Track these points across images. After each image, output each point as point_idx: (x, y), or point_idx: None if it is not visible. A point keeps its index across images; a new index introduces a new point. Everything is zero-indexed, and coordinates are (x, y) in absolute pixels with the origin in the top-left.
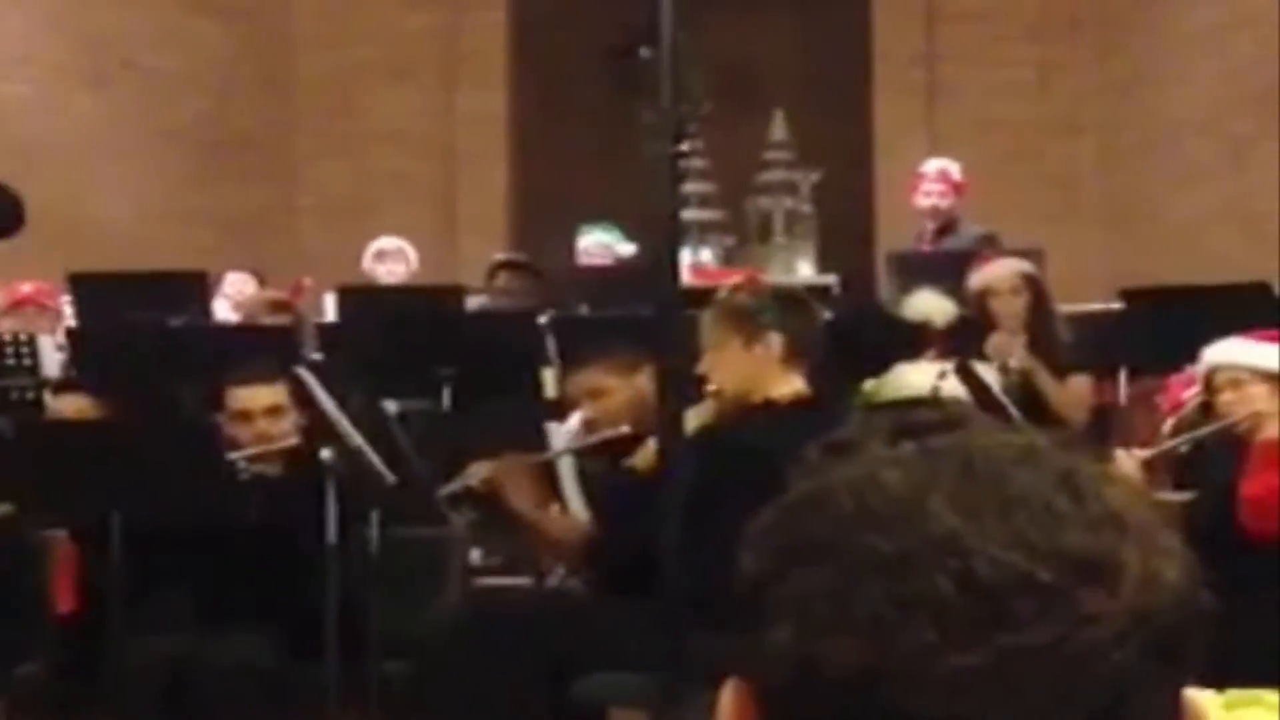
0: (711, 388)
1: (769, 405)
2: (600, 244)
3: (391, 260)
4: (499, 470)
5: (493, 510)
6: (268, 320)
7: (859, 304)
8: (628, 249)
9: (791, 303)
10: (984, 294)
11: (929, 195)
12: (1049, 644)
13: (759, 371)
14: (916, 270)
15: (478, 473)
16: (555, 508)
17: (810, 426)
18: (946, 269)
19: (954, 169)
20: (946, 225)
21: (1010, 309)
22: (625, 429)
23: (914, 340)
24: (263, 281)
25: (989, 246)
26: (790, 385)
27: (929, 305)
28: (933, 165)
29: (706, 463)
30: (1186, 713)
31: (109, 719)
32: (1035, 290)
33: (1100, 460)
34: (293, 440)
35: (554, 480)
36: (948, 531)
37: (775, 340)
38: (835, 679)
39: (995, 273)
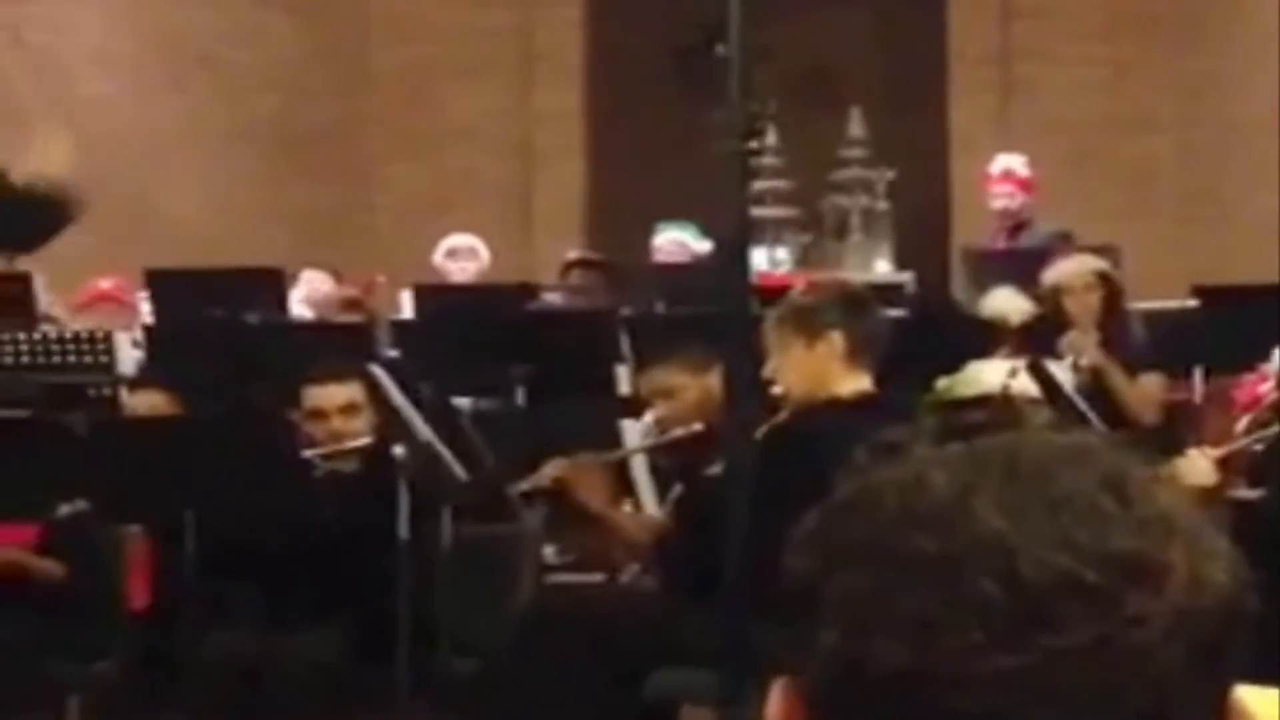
0: (777, 389)
1: (834, 403)
2: (676, 241)
3: (463, 258)
4: (571, 468)
5: (564, 506)
6: (341, 318)
7: (933, 302)
8: (704, 246)
9: (853, 301)
10: (1057, 291)
11: (998, 197)
12: (1094, 645)
13: (823, 370)
14: (991, 268)
15: (550, 471)
16: (628, 505)
17: (875, 424)
18: (1021, 267)
19: (1020, 166)
20: (1020, 224)
21: (1083, 306)
22: (697, 427)
23: (988, 338)
24: (339, 279)
25: (1063, 244)
26: (855, 383)
27: (1005, 303)
28: (999, 164)
29: (773, 461)
30: (1233, 713)
31: (181, 715)
32: (1109, 288)
33: (1159, 460)
34: (367, 439)
35: (627, 478)
36: (993, 532)
37: (837, 339)
38: (881, 679)
39: (1069, 270)
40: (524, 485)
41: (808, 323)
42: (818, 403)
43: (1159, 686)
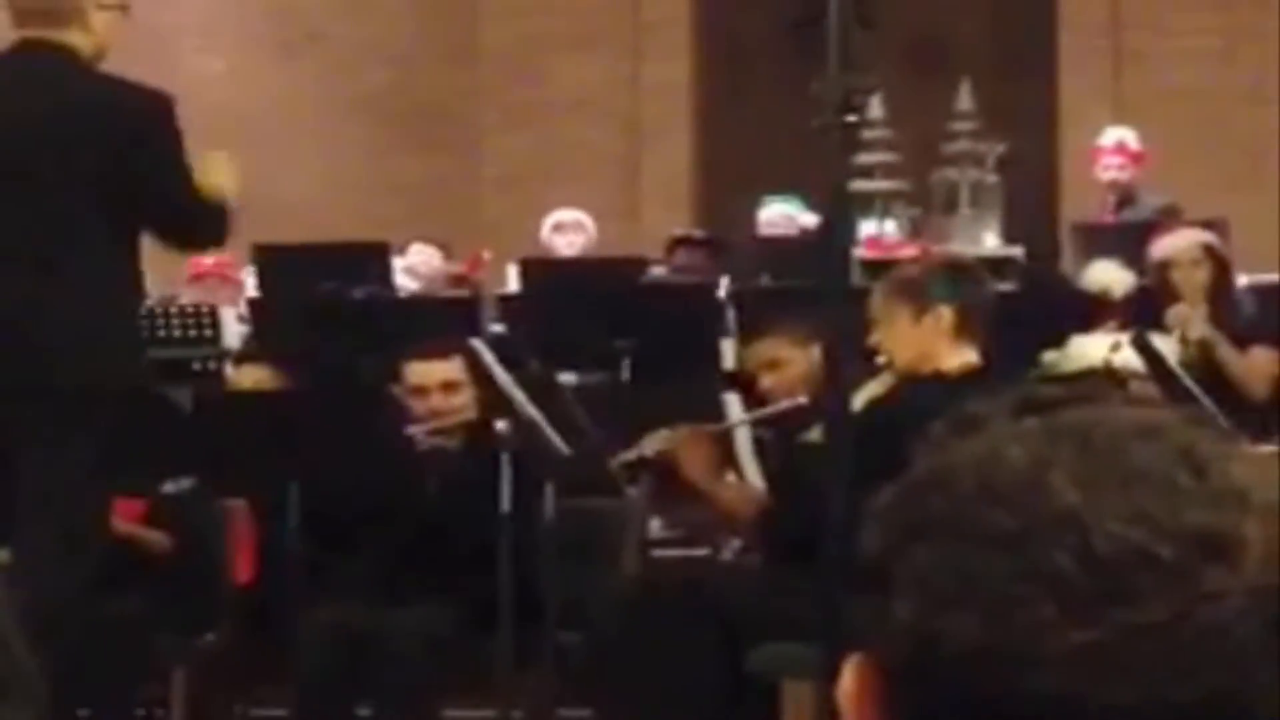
0: (882, 360)
1: (939, 377)
2: (782, 214)
3: (570, 232)
4: (674, 440)
5: (667, 480)
6: (447, 293)
7: (1043, 275)
8: (810, 219)
9: (961, 274)
10: (1165, 265)
11: (1108, 169)
12: (1168, 621)
13: (929, 344)
14: (1100, 241)
15: (652, 442)
16: (731, 477)
17: (979, 398)
18: (1130, 240)
19: (1131, 139)
20: (1127, 196)
21: (1191, 280)
22: (802, 399)
23: (1096, 312)
24: (447, 253)
25: (1170, 217)
26: (961, 356)
27: (1107, 275)
28: (1110, 137)
29: (874, 434)
30: None
31: (286, 688)
32: (1217, 261)
33: (1272, 436)
34: (470, 415)
35: (730, 450)
36: (1068, 507)
37: (945, 312)
38: (954, 655)
39: (1176, 244)
40: (627, 455)
41: (915, 295)
42: (922, 376)
43: (1233, 663)
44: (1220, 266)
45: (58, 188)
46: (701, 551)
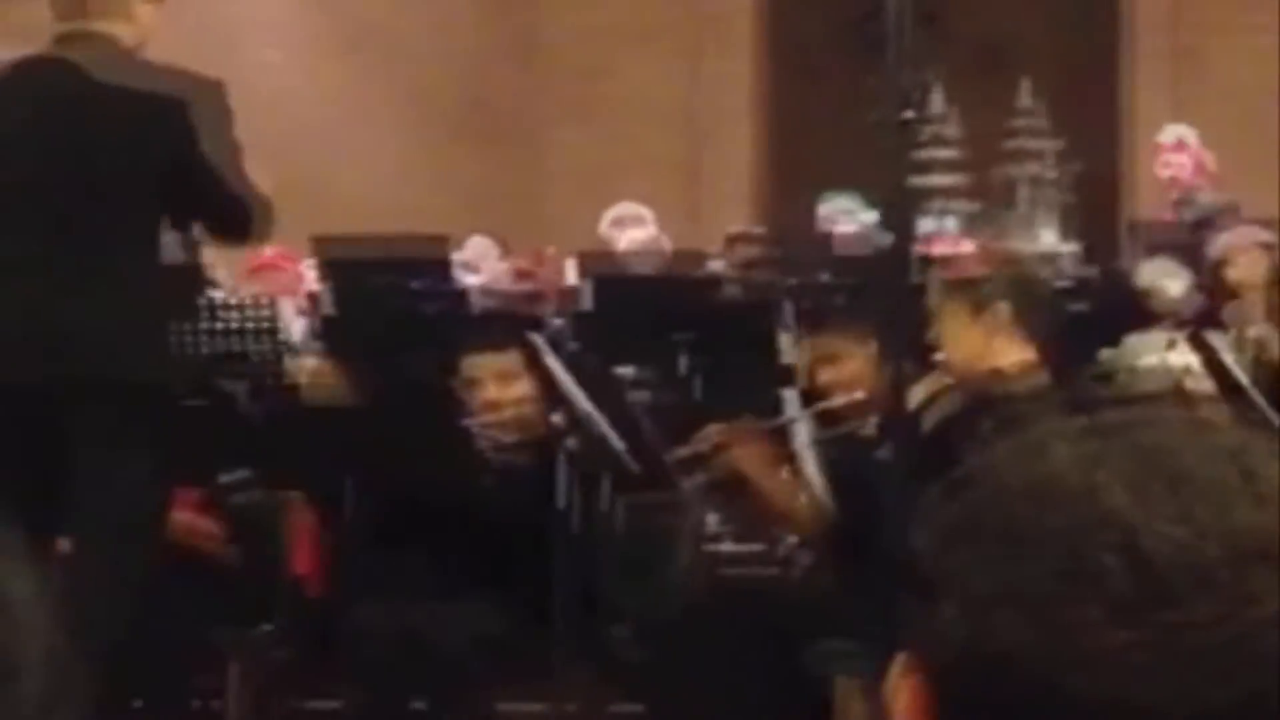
0: (939, 357)
1: (996, 375)
2: (842, 210)
3: (630, 225)
4: (731, 434)
5: (725, 475)
6: (515, 304)
7: (1101, 273)
8: (870, 216)
9: (1019, 271)
10: (1221, 263)
11: (1168, 166)
12: (1213, 622)
13: (986, 341)
14: (1159, 239)
15: (709, 436)
16: (786, 473)
17: (1036, 396)
18: (1192, 238)
19: (1191, 137)
20: (1184, 195)
21: (1248, 278)
22: (859, 395)
23: (1152, 310)
24: (505, 247)
25: (1229, 215)
26: (1019, 354)
27: (1161, 274)
28: (1169, 134)
29: (932, 431)
30: None
31: (342, 683)
32: (1274, 259)
33: None
34: (525, 409)
35: (788, 447)
36: (1114, 508)
37: (1003, 309)
38: (1000, 654)
39: (1232, 242)
40: (684, 450)
41: (973, 293)
42: (979, 374)
43: (1275, 666)
44: (1278, 265)
45: (105, 183)
46: (757, 547)
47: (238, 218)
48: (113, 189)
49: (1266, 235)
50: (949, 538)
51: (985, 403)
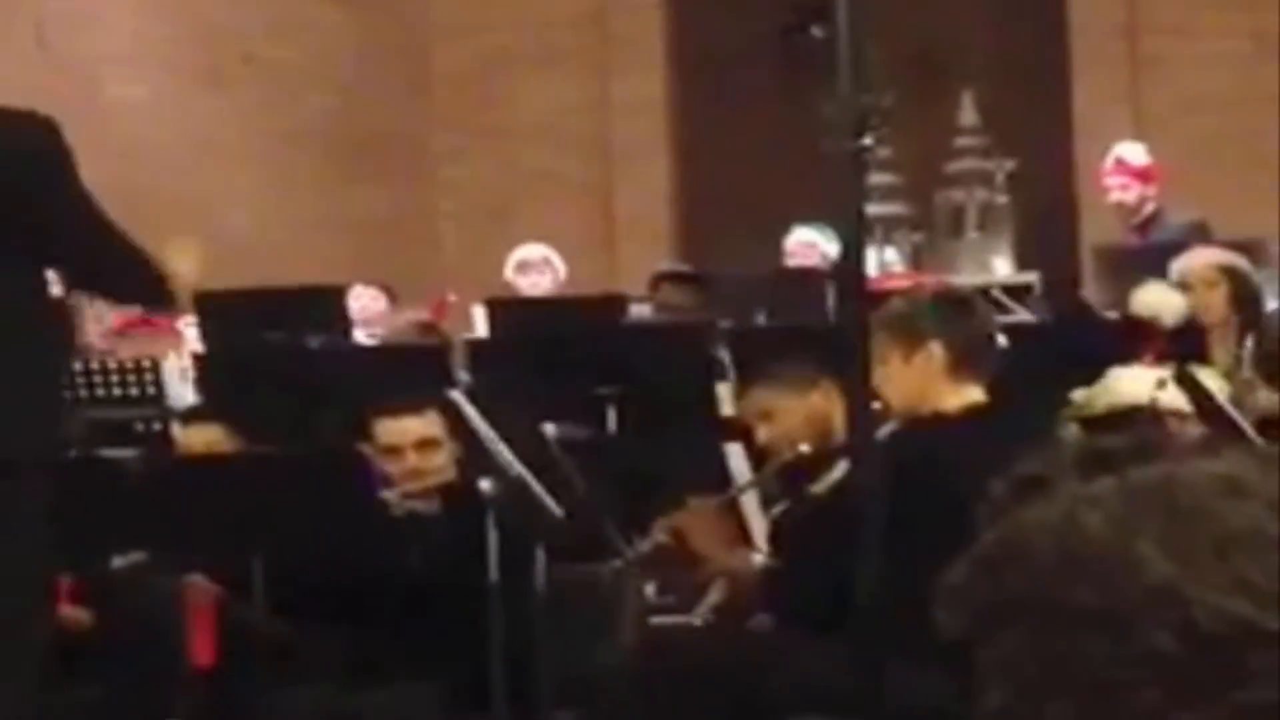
0: (876, 405)
1: (939, 419)
2: (807, 243)
3: (536, 271)
4: (685, 519)
5: (680, 558)
6: (411, 340)
7: (1064, 304)
8: (835, 248)
9: (953, 306)
10: (1180, 288)
11: (1111, 191)
12: None
13: (923, 384)
14: (1125, 265)
15: (663, 526)
16: (740, 549)
17: (985, 439)
18: (1156, 263)
19: (1134, 154)
20: (1149, 217)
21: (1207, 303)
22: (804, 449)
23: (1127, 343)
24: (393, 296)
25: (1199, 236)
26: (960, 396)
27: (1160, 300)
28: (1111, 156)
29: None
30: None
31: None
32: (1237, 282)
33: None
34: (449, 475)
35: (738, 513)
36: (1162, 580)
37: (937, 349)
38: None
39: (1189, 264)
40: (642, 547)
41: (903, 332)
42: (920, 419)
43: None
44: (1241, 288)
45: None
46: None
47: (106, 266)
48: None
49: (1226, 257)
50: (987, 620)
51: (930, 448)
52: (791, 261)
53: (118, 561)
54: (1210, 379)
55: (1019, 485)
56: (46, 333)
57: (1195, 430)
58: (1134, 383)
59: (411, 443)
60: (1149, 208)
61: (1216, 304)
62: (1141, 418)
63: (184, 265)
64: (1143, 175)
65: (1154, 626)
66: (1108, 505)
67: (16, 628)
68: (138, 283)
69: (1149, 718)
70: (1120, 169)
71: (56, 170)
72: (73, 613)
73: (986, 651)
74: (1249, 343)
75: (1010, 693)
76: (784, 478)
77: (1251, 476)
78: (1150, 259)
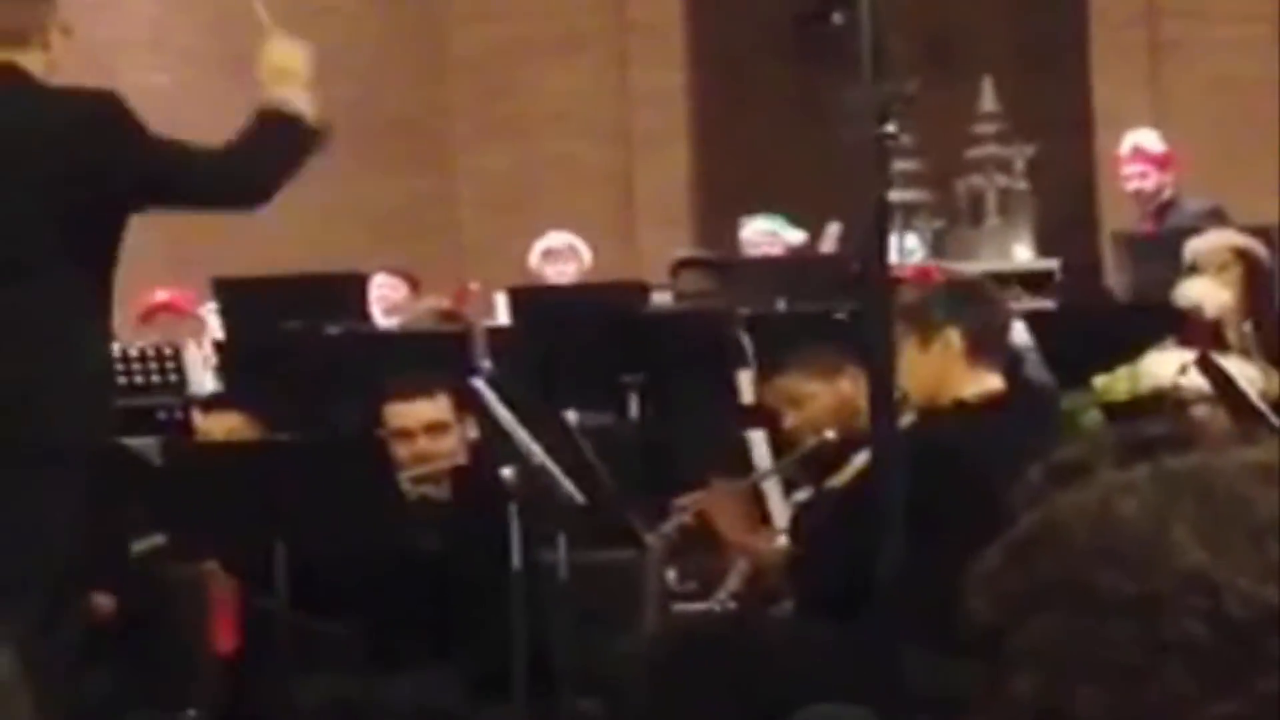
0: (897, 394)
1: (960, 407)
2: (765, 232)
3: (562, 259)
4: (709, 501)
5: (705, 541)
6: (433, 327)
7: (1084, 291)
8: (796, 236)
9: (968, 293)
10: (1190, 270)
11: (1129, 179)
12: None
13: (941, 372)
14: (1145, 252)
15: (688, 506)
16: (764, 533)
17: (1006, 426)
18: (1174, 250)
19: (1151, 142)
20: (1166, 204)
21: (1220, 285)
22: (829, 435)
23: (1149, 330)
24: (415, 284)
25: (1215, 222)
26: (980, 383)
27: (1203, 292)
28: (1127, 142)
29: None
30: None
31: None
32: (1249, 265)
33: None
34: (459, 458)
35: (760, 499)
36: (1195, 567)
37: (954, 336)
38: None
39: (1200, 247)
40: (667, 528)
41: (918, 320)
42: (941, 408)
43: None
44: (1253, 272)
45: (21, 218)
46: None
47: (213, 184)
48: (26, 230)
49: (1239, 239)
50: (1018, 605)
51: (953, 437)
52: (751, 252)
53: (136, 546)
54: (1234, 365)
55: (1055, 472)
56: (98, 321)
57: (1218, 415)
58: (1170, 366)
59: (422, 426)
60: (1165, 194)
61: (1228, 285)
62: (1166, 403)
63: (286, 70)
64: (1160, 162)
65: (1185, 613)
66: (1143, 492)
67: (55, 614)
68: (255, 183)
69: (1179, 704)
70: (1138, 157)
71: (135, 133)
72: (96, 599)
73: (1017, 637)
74: (1246, 327)
75: (1040, 678)
76: (809, 464)
77: None
78: (1172, 245)
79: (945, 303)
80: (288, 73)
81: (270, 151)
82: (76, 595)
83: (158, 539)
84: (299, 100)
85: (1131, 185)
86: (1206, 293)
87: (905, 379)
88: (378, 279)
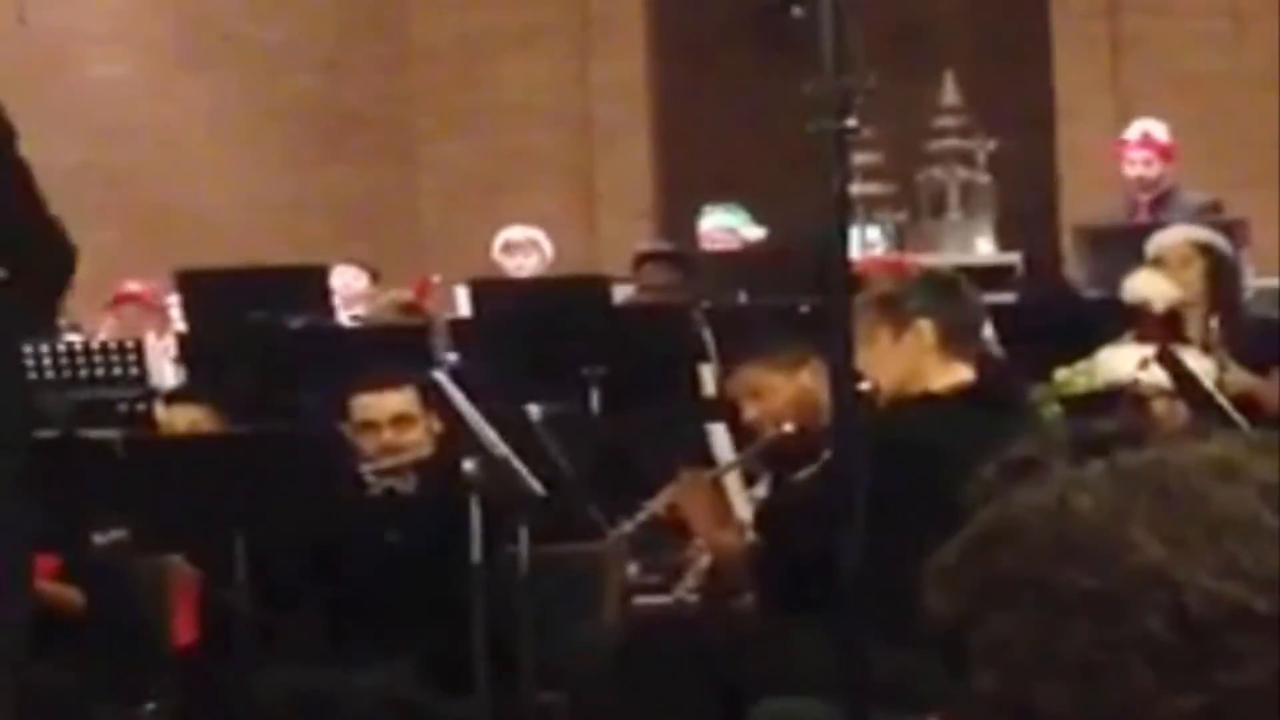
0: (865, 385)
1: (928, 398)
2: (724, 227)
3: (523, 252)
4: (681, 493)
5: (674, 534)
6: (395, 320)
7: (1046, 285)
8: (755, 232)
9: (942, 286)
10: (1154, 264)
11: (1133, 164)
12: (1274, 681)
13: (913, 364)
14: (1107, 246)
15: (660, 499)
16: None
17: (974, 419)
18: (1139, 244)
19: (1159, 131)
20: (1162, 195)
21: (1182, 280)
22: (788, 428)
23: (1110, 323)
24: (375, 275)
25: (1213, 214)
26: (951, 376)
27: (1150, 287)
28: (1136, 129)
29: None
30: None
31: None
32: (1212, 260)
33: None
34: (425, 451)
35: (721, 493)
36: (1153, 563)
37: (926, 328)
38: None
39: (1163, 241)
40: (639, 518)
41: (892, 312)
42: (909, 399)
43: None
44: (1217, 266)
45: None
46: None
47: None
48: None
49: (1201, 234)
50: (979, 602)
51: (921, 428)
52: (709, 247)
53: (98, 539)
54: (1193, 359)
55: (1010, 468)
56: None
57: (1178, 409)
58: (1125, 361)
59: (388, 418)
60: (1165, 184)
61: (1191, 281)
62: (1124, 397)
63: None
64: (1165, 152)
65: (1144, 609)
66: (1100, 488)
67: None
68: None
69: (1139, 699)
70: (1145, 143)
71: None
72: (64, 592)
73: (978, 633)
74: (1213, 322)
75: (1002, 675)
76: (768, 457)
77: (1242, 460)
78: (1134, 239)
79: (919, 295)
80: None
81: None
82: (19, 586)
83: (120, 533)
84: None
85: (1134, 171)
86: (1152, 287)
87: (875, 370)
88: (337, 269)
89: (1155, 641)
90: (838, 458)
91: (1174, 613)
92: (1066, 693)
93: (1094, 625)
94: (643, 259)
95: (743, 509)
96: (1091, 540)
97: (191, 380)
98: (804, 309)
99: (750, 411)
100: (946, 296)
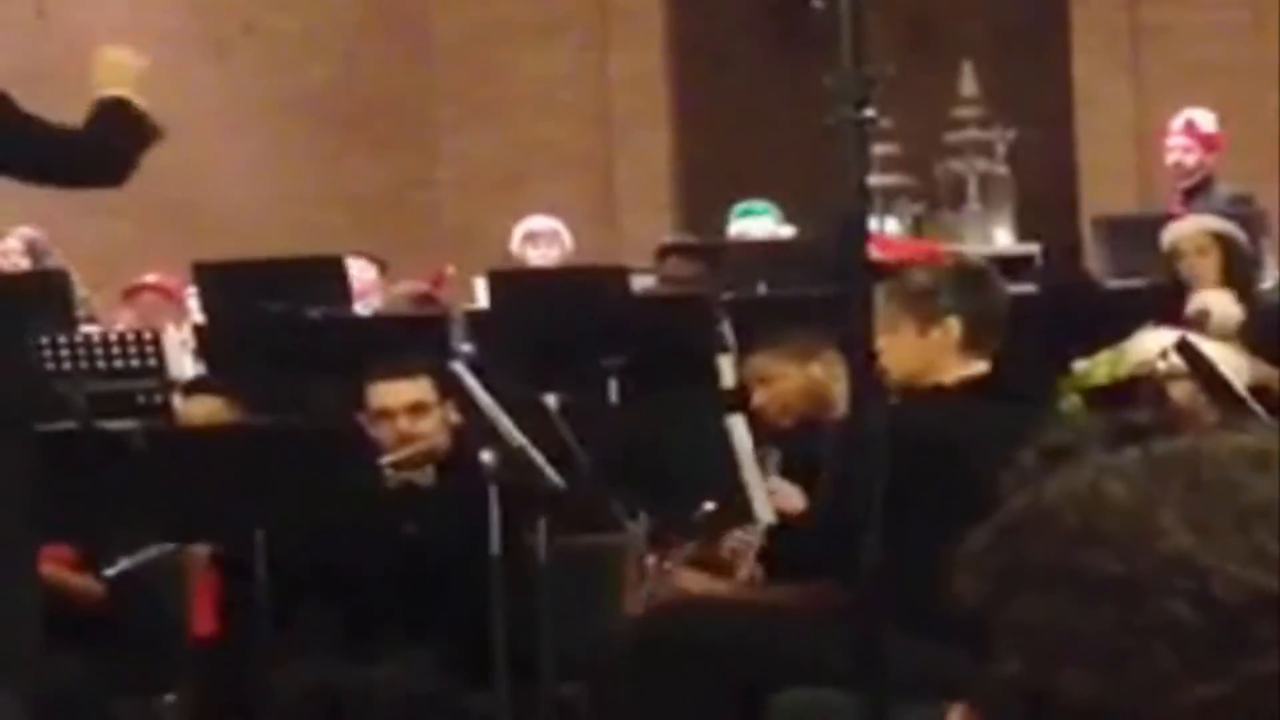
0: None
1: (938, 391)
2: (755, 225)
3: (544, 243)
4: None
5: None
6: (411, 311)
7: (1065, 275)
8: (785, 231)
9: (973, 280)
10: (1171, 255)
11: (1171, 151)
12: None
13: (934, 358)
14: (1127, 236)
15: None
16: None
17: (982, 412)
18: (1154, 234)
19: (1204, 120)
20: (1199, 185)
21: (1198, 271)
22: (786, 422)
23: (1134, 313)
24: (383, 267)
25: (1245, 207)
26: (965, 369)
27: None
28: (1180, 117)
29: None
30: None
31: None
32: (1228, 250)
33: None
34: (440, 442)
35: (742, 493)
36: (1181, 550)
37: (954, 325)
38: (1070, 712)
39: (1179, 231)
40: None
41: (923, 305)
42: (917, 391)
43: None
44: (1232, 257)
45: None
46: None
47: (61, 158)
48: None
49: (1218, 224)
50: (1004, 586)
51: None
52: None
53: (123, 564)
54: (1212, 349)
55: (1046, 455)
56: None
57: (1197, 397)
58: (1159, 342)
59: (403, 406)
60: (1201, 175)
61: (1207, 271)
62: (1144, 388)
63: (118, 82)
64: (1207, 142)
65: (1170, 595)
66: (1132, 475)
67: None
68: (97, 165)
69: (1163, 686)
70: (1189, 132)
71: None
72: (85, 583)
73: (1003, 617)
74: None
75: (1026, 660)
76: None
77: (1274, 450)
78: (1154, 230)
79: (952, 291)
80: (123, 76)
81: (124, 137)
82: (24, 575)
83: (150, 552)
84: (137, 99)
85: (1173, 157)
86: (1222, 309)
87: (890, 357)
88: (348, 262)
89: (1180, 627)
90: (856, 448)
91: (1200, 599)
92: (1090, 677)
93: (1119, 610)
94: (666, 251)
95: (762, 501)
96: (1120, 526)
97: (209, 371)
98: (820, 295)
99: (758, 397)
100: (977, 291)
